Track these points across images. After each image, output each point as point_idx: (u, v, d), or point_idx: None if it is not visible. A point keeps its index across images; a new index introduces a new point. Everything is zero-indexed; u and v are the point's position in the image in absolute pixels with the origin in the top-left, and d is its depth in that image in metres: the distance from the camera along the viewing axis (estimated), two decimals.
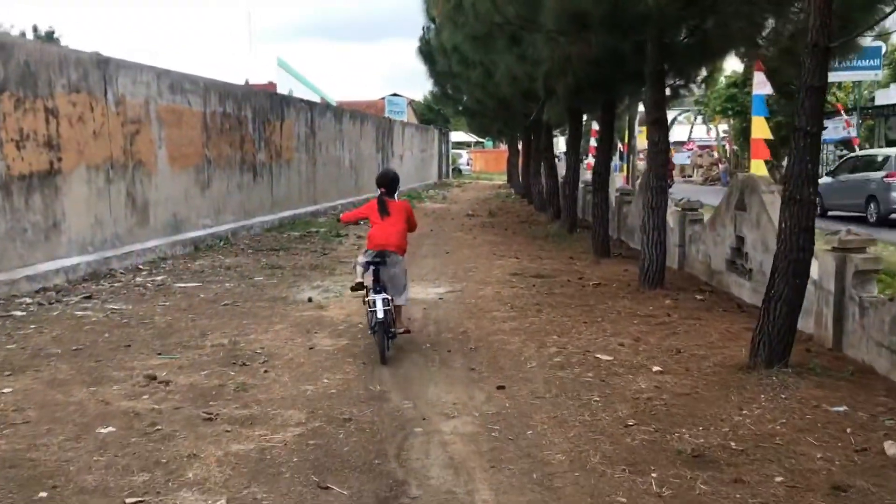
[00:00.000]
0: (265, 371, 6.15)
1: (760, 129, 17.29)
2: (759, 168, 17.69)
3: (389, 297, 6.56)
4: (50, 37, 47.37)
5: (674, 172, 44.74)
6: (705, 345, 6.87)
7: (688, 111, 60.67)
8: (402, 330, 6.93)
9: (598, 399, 5.44)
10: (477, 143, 71.16)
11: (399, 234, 6.92)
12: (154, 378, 5.87)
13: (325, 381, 5.91)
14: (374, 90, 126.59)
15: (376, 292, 6.55)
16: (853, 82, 34.28)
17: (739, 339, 6.99)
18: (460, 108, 26.69)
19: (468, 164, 62.70)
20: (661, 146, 9.33)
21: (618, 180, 26.57)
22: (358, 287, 6.83)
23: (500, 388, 5.72)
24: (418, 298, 9.28)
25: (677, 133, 64.60)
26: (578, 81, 9.53)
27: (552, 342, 7.04)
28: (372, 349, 6.82)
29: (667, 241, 9.76)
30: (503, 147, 60.04)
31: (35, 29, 49.30)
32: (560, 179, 20.59)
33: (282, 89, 30.63)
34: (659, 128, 9.29)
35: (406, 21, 51.76)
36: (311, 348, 6.89)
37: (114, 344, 7.02)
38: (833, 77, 31.69)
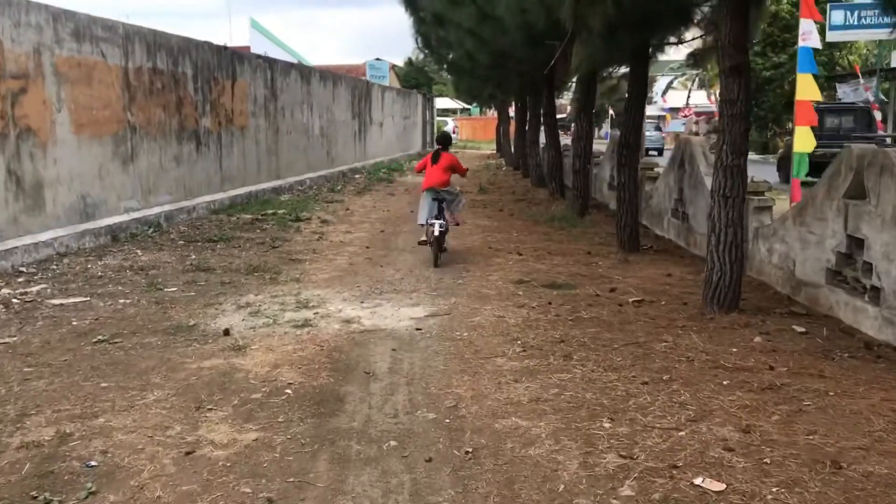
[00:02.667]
0: None
1: (808, 89, 14.27)
2: (804, 137, 14.63)
3: (446, 223, 9.15)
4: None
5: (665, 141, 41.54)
6: (871, 444, 3.97)
7: (684, 75, 57.23)
8: (455, 223, 9.88)
9: None
10: (463, 109, 67.74)
11: (443, 175, 9.45)
12: None
13: None
14: (356, 56, 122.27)
15: (436, 218, 9.08)
16: (875, 42, 31.40)
17: None
18: (446, 65, 23.48)
19: (454, 132, 59.21)
20: (740, 106, 6.35)
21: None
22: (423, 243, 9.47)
23: None
24: (387, 328, 6.38)
25: (673, 99, 61.57)
26: (619, 11, 6.56)
27: (605, 439, 4.11)
28: (297, 453, 3.96)
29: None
30: (491, 114, 56.66)
31: None
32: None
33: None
34: (738, 79, 6.29)
35: None
36: (187, 454, 3.93)
37: None
38: (847, 36, 28.86)
